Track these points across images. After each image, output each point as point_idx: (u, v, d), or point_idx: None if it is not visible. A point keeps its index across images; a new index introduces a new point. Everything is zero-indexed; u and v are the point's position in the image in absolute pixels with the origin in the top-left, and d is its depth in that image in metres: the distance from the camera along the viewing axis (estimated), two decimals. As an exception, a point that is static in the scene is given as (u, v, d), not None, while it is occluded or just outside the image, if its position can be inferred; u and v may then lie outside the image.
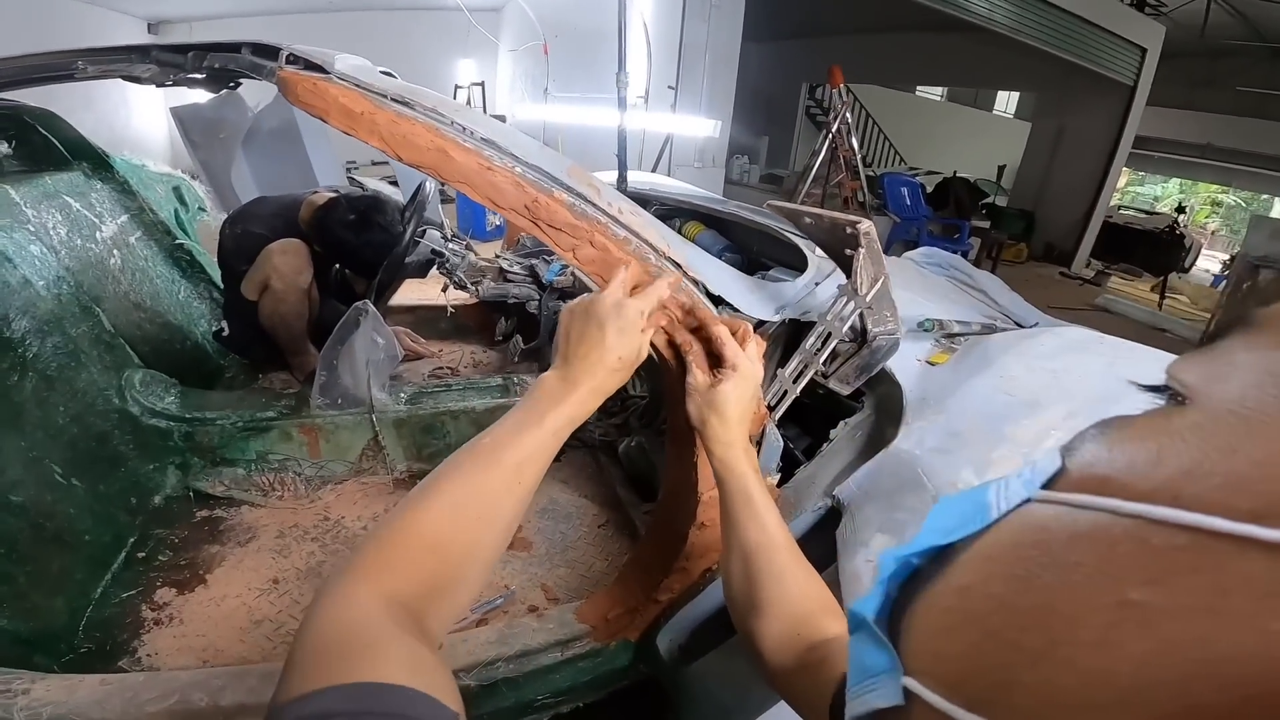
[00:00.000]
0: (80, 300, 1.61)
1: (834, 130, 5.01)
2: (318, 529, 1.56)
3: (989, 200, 7.85)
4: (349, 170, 6.54)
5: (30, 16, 5.29)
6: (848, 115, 5.02)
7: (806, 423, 1.23)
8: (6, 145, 1.90)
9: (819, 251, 1.63)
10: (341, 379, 1.65)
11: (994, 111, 12.10)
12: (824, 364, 1.07)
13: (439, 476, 0.58)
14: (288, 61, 0.84)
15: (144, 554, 1.42)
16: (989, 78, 7.96)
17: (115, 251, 1.99)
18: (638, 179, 2.69)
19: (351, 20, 7.74)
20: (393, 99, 0.80)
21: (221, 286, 2.25)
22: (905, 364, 1.10)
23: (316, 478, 1.68)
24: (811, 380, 1.04)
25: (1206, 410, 0.19)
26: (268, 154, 4.24)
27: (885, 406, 1.08)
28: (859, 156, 5.10)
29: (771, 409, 1.02)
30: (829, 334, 0.99)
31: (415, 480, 1.73)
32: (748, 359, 0.78)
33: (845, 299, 0.97)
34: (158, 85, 1.26)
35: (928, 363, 1.14)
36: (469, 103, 8.19)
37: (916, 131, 10.93)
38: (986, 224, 6.91)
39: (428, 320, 2.60)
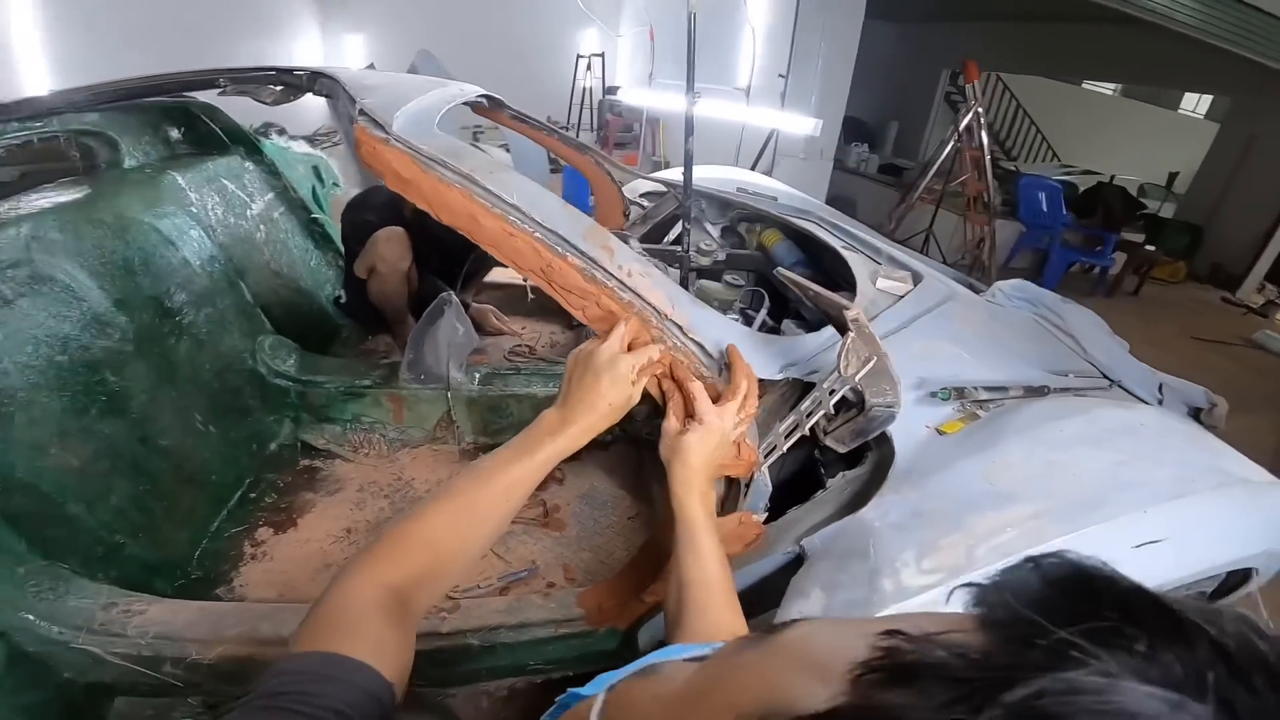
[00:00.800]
0: (228, 276, 1.94)
1: (962, 127, 4.67)
2: (391, 487, 1.83)
3: (1150, 210, 6.96)
4: (475, 136, 6.95)
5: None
6: (980, 111, 4.65)
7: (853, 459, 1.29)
8: (177, 131, 2.26)
9: (881, 283, 1.64)
10: (425, 358, 1.89)
11: (1180, 111, 10.53)
12: (825, 421, 1.13)
13: (445, 490, 0.75)
14: (360, 114, 1.01)
15: (255, 495, 1.75)
16: (1170, 77, 6.94)
17: (262, 226, 2.33)
18: (725, 176, 2.72)
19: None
20: (437, 163, 0.93)
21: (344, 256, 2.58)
22: (912, 429, 1.12)
23: (397, 440, 1.95)
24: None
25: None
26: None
27: (879, 469, 1.12)
28: (989, 156, 4.72)
29: (767, 456, 1.09)
30: (820, 402, 1.04)
31: (480, 451, 1.96)
32: (716, 415, 0.89)
33: (836, 375, 1.02)
34: (276, 104, 1.50)
35: (937, 430, 1.16)
36: (588, 69, 8.32)
37: (1079, 127, 9.79)
38: (1140, 237, 6.16)
39: (513, 299, 2.82)
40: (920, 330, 1.44)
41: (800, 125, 2.70)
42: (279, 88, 1.51)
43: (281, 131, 2.67)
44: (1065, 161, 9.28)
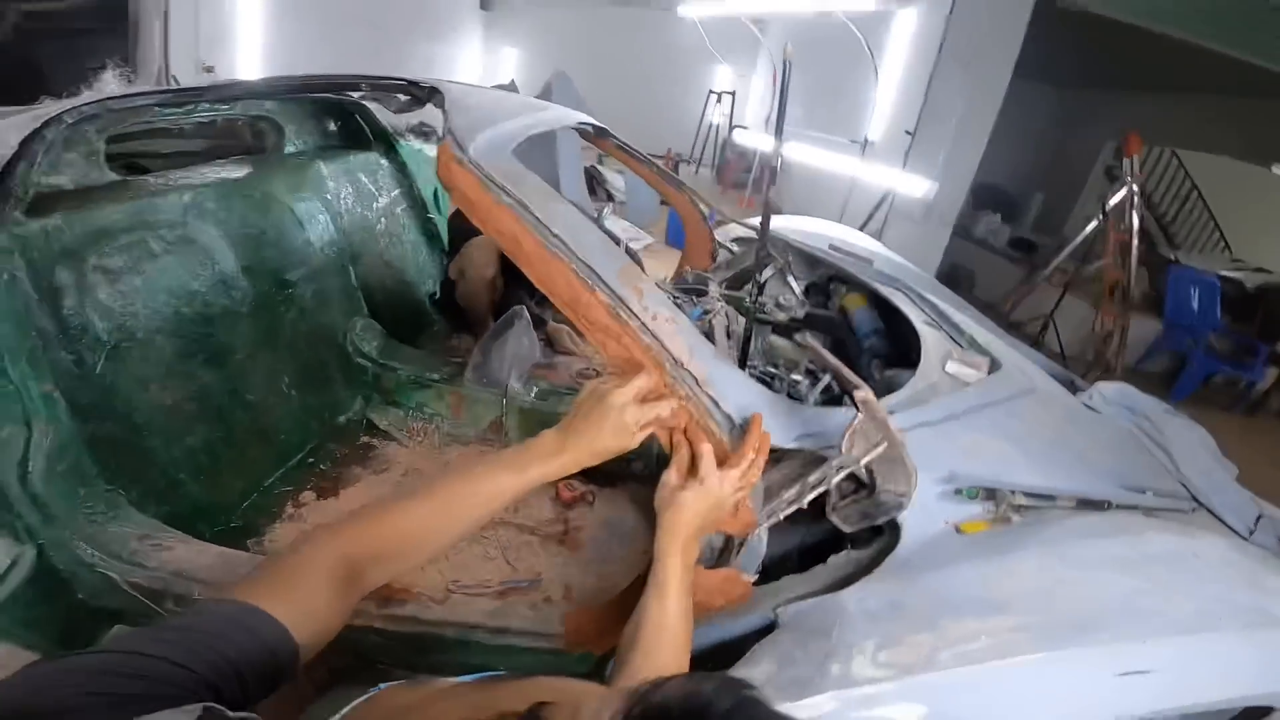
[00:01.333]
0: (341, 259, 2.16)
1: (1111, 204, 4.30)
2: (431, 478, 1.92)
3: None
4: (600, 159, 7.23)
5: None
6: (1135, 190, 4.26)
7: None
8: (334, 125, 2.56)
9: (951, 366, 1.56)
10: (491, 364, 2.01)
11: None
12: (837, 497, 1.09)
13: (432, 485, 0.81)
14: (448, 132, 1.10)
15: (313, 460, 1.92)
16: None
17: (383, 219, 2.58)
18: (821, 230, 2.68)
19: (626, 16, 8.38)
20: (496, 185, 1.00)
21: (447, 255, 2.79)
22: (929, 522, 1.08)
23: (450, 435, 2.08)
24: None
25: None
26: (526, 152, 4.93)
27: (882, 554, 1.06)
28: (1136, 241, 4.31)
29: (768, 518, 1.07)
30: (825, 478, 1.01)
31: (525, 462, 2.03)
32: (718, 479, 0.90)
33: (843, 456, 0.99)
34: (399, 113, 1.67)
35: (955, 528, 1.09)
36: (718, 102, 8.45)
37: (1262, 218, 8.65)
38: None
39: (593, 322, 2.90)
40: (974, 423, 1.36)
41: (914, 187, 2.62)
42: (405, 98, 1.68)
43: (425, 135, 2.94)
44: (1237, 255, 8.21)
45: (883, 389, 1.74)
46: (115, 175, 1.66)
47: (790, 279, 2.30)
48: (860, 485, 1.11)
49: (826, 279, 2.42)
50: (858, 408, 0.95)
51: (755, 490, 1.06)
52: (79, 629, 1.33)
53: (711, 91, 8.89)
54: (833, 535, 1.30)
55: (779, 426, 1.09)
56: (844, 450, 0.97)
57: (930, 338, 1.67)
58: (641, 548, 1.82)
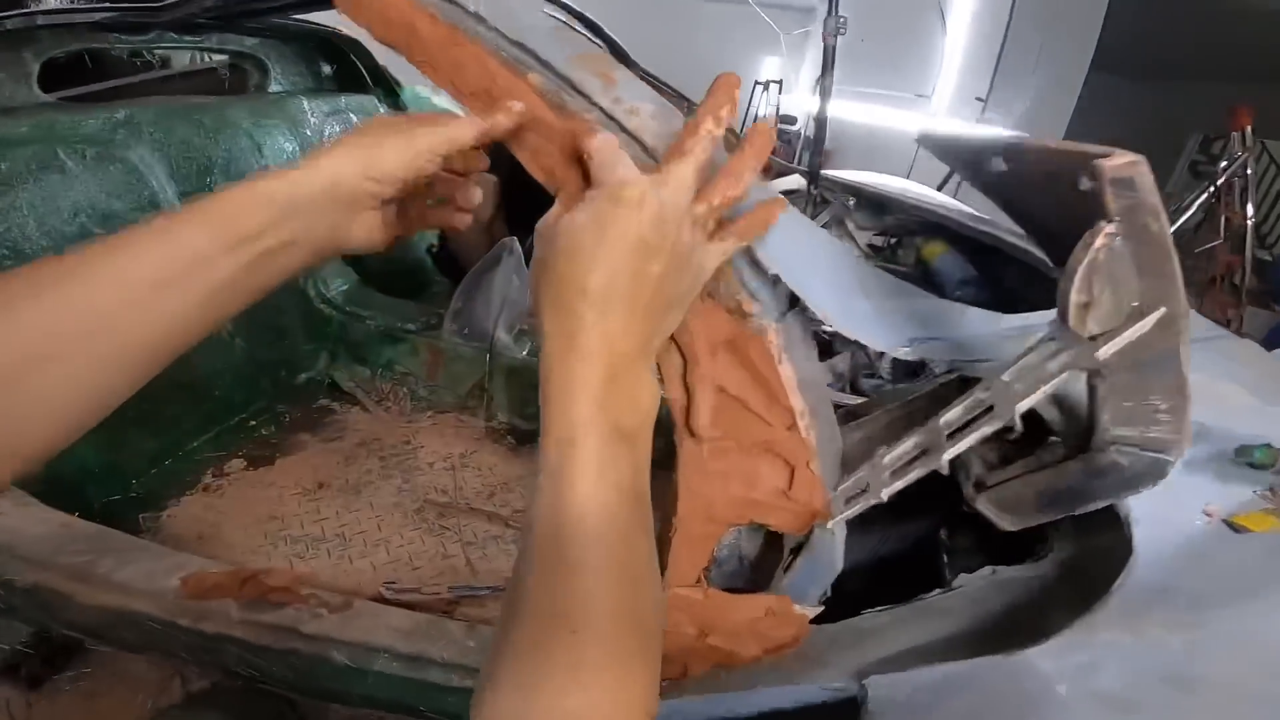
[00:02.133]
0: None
1: (1219, 183, 3.71)
2: (391, 450, 1.58)
3: None
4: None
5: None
6: (1248, 167, 3.67)
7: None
8: (329, 68, 2.26)
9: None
10: (475, 310, 1.65)
11: None
12: (981, 464, 0.64)
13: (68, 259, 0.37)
14: None
15: (254, 423, 1.57)
16: None
17: (376, 165, 2.25)
18: (888, 183, 2.24)
19: (670, 5, 8.14)
20: None
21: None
22: (1175, 513, 0.61)
23: (425, 401, 1.72)
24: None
25: None
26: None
27: (1075, 575, 0.62)
28: (1251, 225, 3.71)
29: (849, 502, 0.63)
30: (991, 408, 0.55)
31: (510, 434, 1.65)
32: (626, 171, 0.43)
33: (1053, 344, 0.52)
34: None
35: (1226, 523, 0.63)
36: (765, 91, 8.05)
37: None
38: None
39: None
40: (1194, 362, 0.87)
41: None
42: None
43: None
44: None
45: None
46: (47, 96, 1.40)
47: (851, 227, 1.87)
48: (1037, 434, 0.61)
49: (895, 230, 1.98)
50: (1102, 205, 0.43)
51: (828, 450, 0.64)
52: None
53: (757, 82, 8.55)
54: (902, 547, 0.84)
55: (880, 323, 0.65)
56: (1080, 324, 0.46)
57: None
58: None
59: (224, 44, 1.82)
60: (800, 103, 7.26)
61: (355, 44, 2.21)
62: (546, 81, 0.55)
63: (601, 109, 0.55)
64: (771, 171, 2.03)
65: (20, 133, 1.25)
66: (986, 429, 0.55)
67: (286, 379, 1.68)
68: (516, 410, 1.67)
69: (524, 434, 1.66)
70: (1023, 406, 0.52)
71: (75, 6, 1.37)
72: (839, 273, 0.68)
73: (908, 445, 0.62)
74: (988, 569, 0.70)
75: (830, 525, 0.63)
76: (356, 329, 1.74)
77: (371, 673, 0.81)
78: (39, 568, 0.89)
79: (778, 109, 8.27)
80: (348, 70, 2.28)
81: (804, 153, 6.74)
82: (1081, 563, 0.66)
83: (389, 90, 2.39)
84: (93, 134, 1.37)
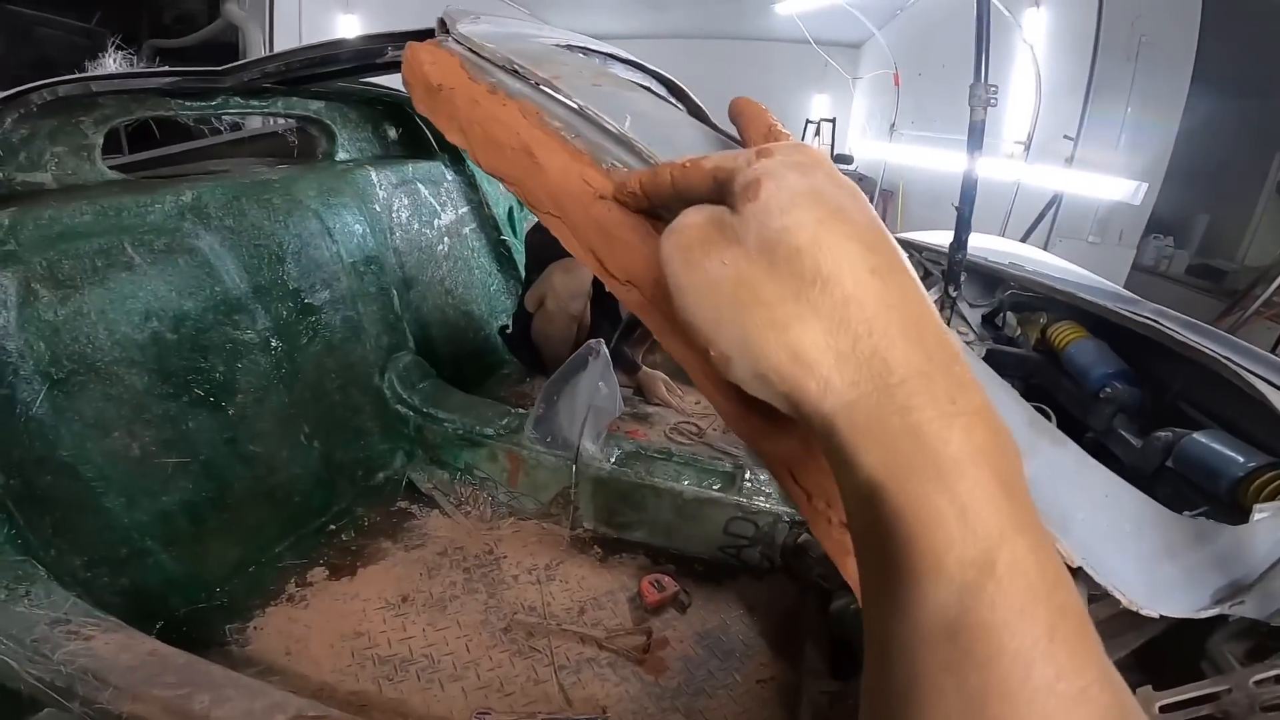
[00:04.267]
0: (381, 282, 1.78)
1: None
2: (475, 561, 1.49)
3: None
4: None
5: None
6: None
7: None
8: (395, 132, 2.24)
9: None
10: (558, 417, 1.55)
11: None
12: None
13: None
14: (440, 29, 0.63)
15: (334, 527, 1.50)
16: None
17: (445, 239, 2.21)
18: (990, 245, 2.06)
19: (714, 48, 8.18)
20: (499, 65, 0.51)
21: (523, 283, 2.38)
22: None
23: (505, 506, 1.61)
24: None
25: None
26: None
27: None
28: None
29: None
30: None
31: (596, 543, 1.53)
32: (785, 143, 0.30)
33: None
34: None
35: None
36: (816, 135, 7.95)
37: None
38: None
39: (691, 365, 2.39)
40: None
41: (1112, 188, 1.96)
42: None
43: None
44: None
45: (1155, 461, 1.11)
46: (112, 174, 1.36)
47: (963, 305, 1.70)
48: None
49: (1008, 305, 1.80)
50: None
51: None
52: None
53: (809, 121, 8.46)
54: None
55: (1178, 575, 0.51)
56: None
57: (1268, 391, 1.01)
58: (756, 672, 1.30)
59: (290, 109, 1.80)
60: (857, 146, 7.10)
61: (421, 109, 2.19)
62: None
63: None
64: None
65: (84, 223, 1.18)
66: None
67: (364, 480, 1.61)
68: (603, 519, 1.55)
69: (611, 543, 1.54)
70: None
71: (133, 71, 1.34)
72: (1133, 524, 0.53)
73: (1189, 695, 0.48)
74: None
75: None
76: (434, 431, 1.66)
77: None
78: (132, 698, 0.84)
79: (832, 148, 8.16)
80: (413, 134, 2.26)
81: (882, 204, 6.55)
82: None
83: (455, 156, 2.36)
84: (160, 223, 1.31)
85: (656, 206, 0.37)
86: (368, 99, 1.99)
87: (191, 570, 1.24)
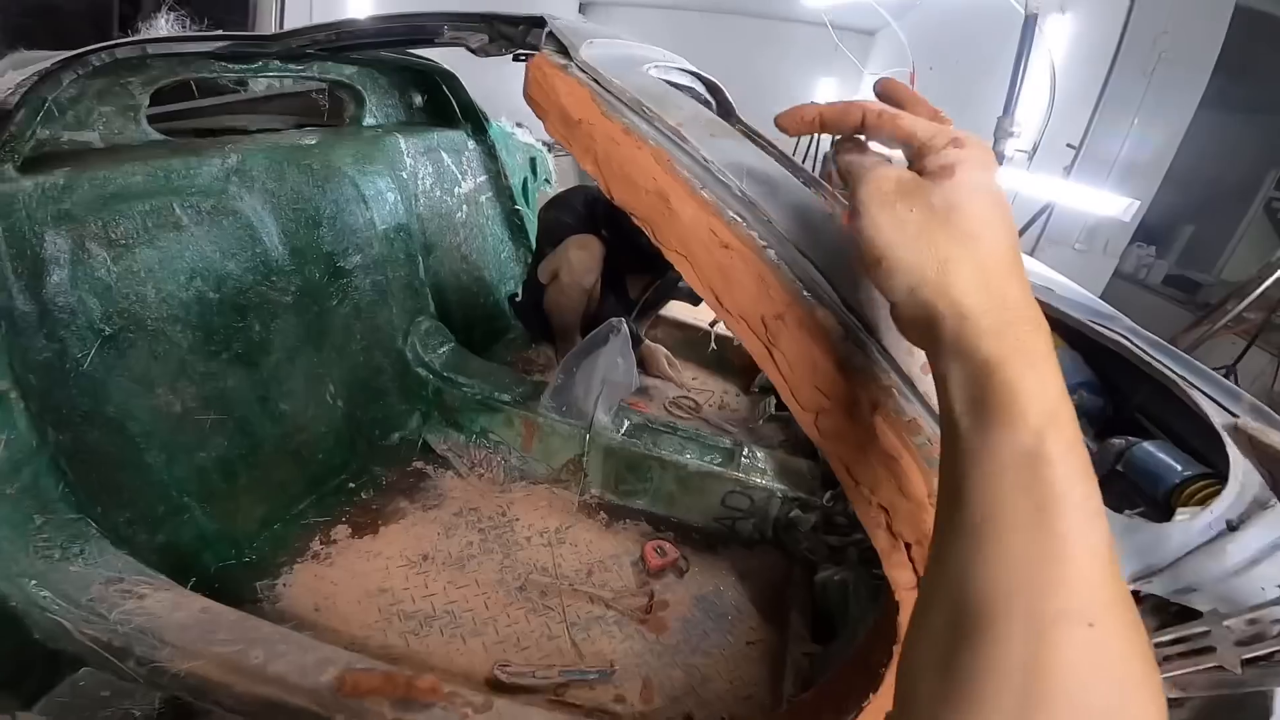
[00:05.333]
0: (408, 248, 1.83)
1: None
2: (490, 521, 1.57)
3: None
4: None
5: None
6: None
7: None
8: (420, 99, 2.26)
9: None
10: (575, 388, 1.63)
11: None
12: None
13: None
14: (546, 37, 0.70)
15: (353, 485, 1.58)
16: None
17: (464, 207, 2.26)
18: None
19: (725, 22, 8.08)
20: (628, 105, 0.59)
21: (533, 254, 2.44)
22: None
23: (517, 470, 1.70)
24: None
25: None
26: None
27: None
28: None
29: None
30: (1211, 647, 0.55)
31: (604, 509, 1.64)
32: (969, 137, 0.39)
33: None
34: (485, 55, 1.30)
35: None
36: None
37: None
38: None
39: (692, 344, 2.49)
40: None
41: (1106, 204, 2.06)
42: (487, 38, 1.32)
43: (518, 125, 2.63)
44: None
45: (1107, 465, 1.24)
46: (156, 134, 1.39)
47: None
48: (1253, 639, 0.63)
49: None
50: None
51: None
52: (32, 671, 1.04)
53: (813, 103, 8.43)
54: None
55: None
56: None
57: (1208, 406, 1.14)
58: (745, 635, 1.41)
59: (324, 73, 1.84)
60: (877, 148, 7.12)
61: (449, 76, 2.21)
62: (839, 324, 0.52)
63: (898, 369, 0.51)
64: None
65: (136, 184, 1.22)
66: (1208, 665, 0.55)
67: (380, 439, 1.68)
68: (610, 486, 1.66)
69: (616, 510, 1.65)
70: (1247, 654, 0.53)
71: (187, 35, 1.36)
72: None
73: None
74: None
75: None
76: (452, 394, 1.74)
77: None
78: (190, 655, 0.90)
79: (833, 136, 8.17)
80: (438, 102, 2.28)
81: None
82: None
83: (477, 125, 2.38)
84: (207, 185, 1.35)
85: (827, 131, 0.46)
86: (397, 65, 2.01)
87: (223, 527, 1.31)
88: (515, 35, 1.20)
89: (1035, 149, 2.99)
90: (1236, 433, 1.07)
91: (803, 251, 0.52)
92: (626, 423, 1.64)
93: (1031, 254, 3.36)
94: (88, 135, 1.28)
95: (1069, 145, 3.39)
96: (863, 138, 0.44)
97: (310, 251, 1.53)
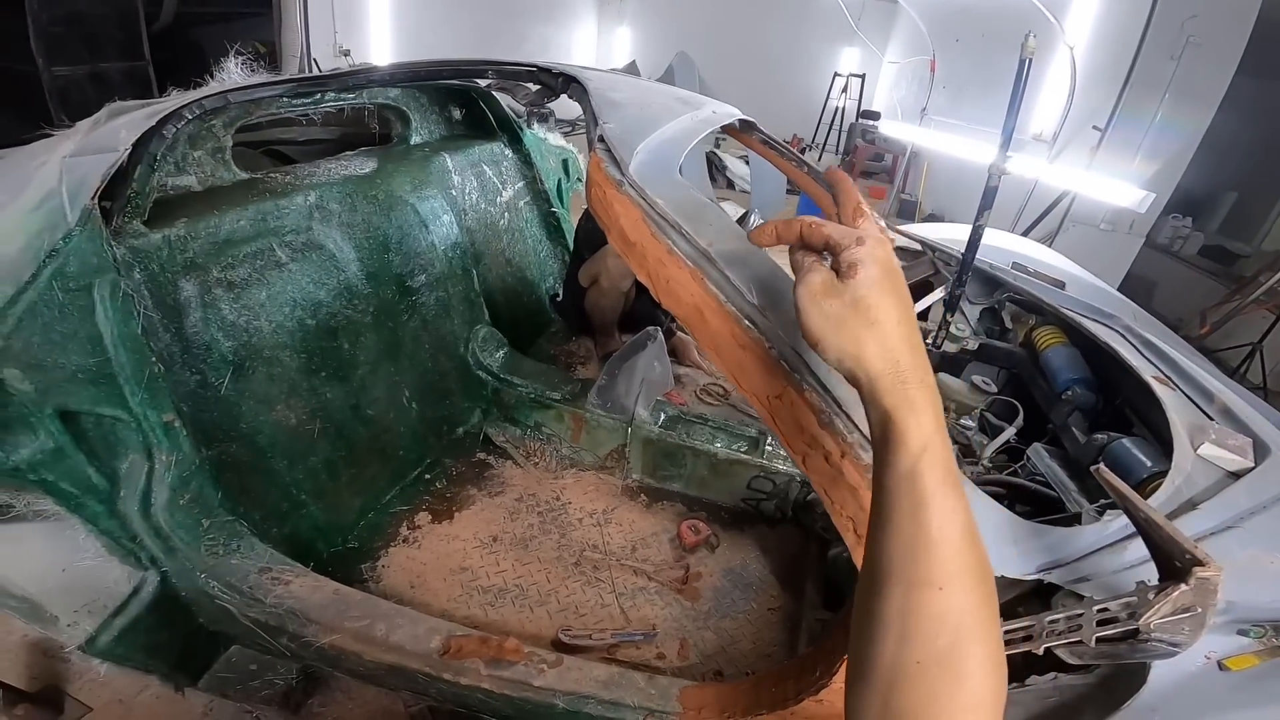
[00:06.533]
0: (464, 263, 2.04)
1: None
2: (546, 505, 1.81)
3: None
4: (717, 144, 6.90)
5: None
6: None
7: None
8: (459, 112, 2.44)
9: (1206, 450, 1.19)
10: (617, 387, 1.84)
11: None
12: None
13: None
14: (599, 140, 0.89)
15: (429, 476, 1.83)
16: None
17: (506, 214, 2.45)
18: (999, 243, 2.27)
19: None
20: (671, 225, 0.78)
21: (570, 256, 2.63)
22: (1185, 657, 0.80)
23: (568, 459, 1.93)
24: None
25: None
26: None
27: (1108, 690, 0.83)
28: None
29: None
30: (1074, 626, 0.76)
31: (644, 492, 1.86)
32: (867, 231, 0.51)
33: (1121, 603, 0.73)
34: (530, 105, 1.48)
35: (1218, 663, 0.83)
36: (845, 90, 7.86)
37: None
38: None
39: (720, 334, 2.66)
40: (1255, 532, 1.01)
41: (1120, 195, 2.16)
42: (535, 88, 1.49)
43: (543, 118, 2.78)
44: None
45: (1090, 458, 1.40)
46: (243, 174, 1.58)
47: (963, 302, 1.95)
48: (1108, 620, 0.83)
49: (1003, 303, 2.04)
50: (1186, 579, 0.67)
51: None
52: (197, 652, 1.30)
53: (837, 74, 8.33)
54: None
55: (1016, 555, 0.83)
56: (1140, 612, 0.70)
57: (1174, 405, 1.30)
58: (767, 602, 1.63)
59: (372, 98, 2.01)
60: (885, 116, 7.04)
61: (483, 93, 2.38)
62: (822, 401, 0.71)
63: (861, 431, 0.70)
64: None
65: (242, 229, 1.41)
66: (1072, 636, 0.76)
67: (448, 434, 1.93)
68: (649, 472, 1.88)
69: (654, 492, 1.87)
70: (1096, 634, 0.74)
71: (261, 81, 1.53)
72: (995, 528, 0.84)
73: (1018, 625, 0.81)
74: (1051, 674, 0.89)
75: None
76: (508, 393, 1.96)
77: (582, 713, 1.07)
78: (330, 631, 1.14)
79: (859, 104, 8.06)
80: (476, 115, 2.45)
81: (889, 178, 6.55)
82: (1114, 682, 0.85)
83: (513, 136, 2.56)
84: (295, 224, 1.54)
85: (782, 244, 0.57)
86: (435, 85, 2.19)
87: (331, 519, 1.55)
88: (556, 86, 1.38)
89: (1055, 137, 3.03)
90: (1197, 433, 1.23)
91: (795, 349, 0.72)
92: (663, 415, 1.84)
93: (1054, 238, 3.42)
94: (187, 180, 1.46)
95: (1095, 128, 3.40)
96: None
97: (383, 274, 1.75)
